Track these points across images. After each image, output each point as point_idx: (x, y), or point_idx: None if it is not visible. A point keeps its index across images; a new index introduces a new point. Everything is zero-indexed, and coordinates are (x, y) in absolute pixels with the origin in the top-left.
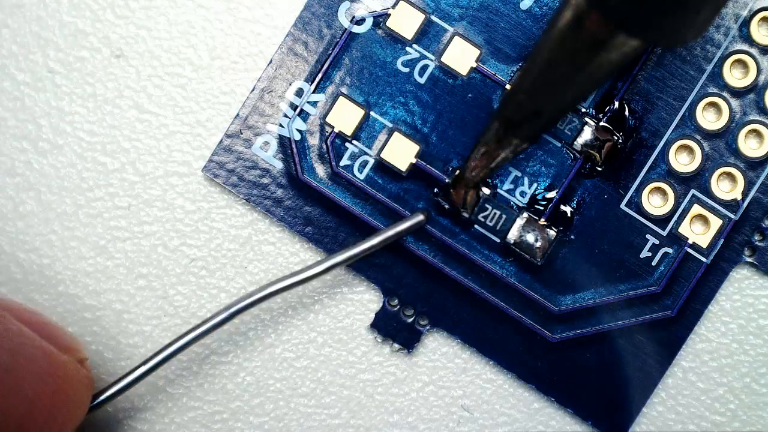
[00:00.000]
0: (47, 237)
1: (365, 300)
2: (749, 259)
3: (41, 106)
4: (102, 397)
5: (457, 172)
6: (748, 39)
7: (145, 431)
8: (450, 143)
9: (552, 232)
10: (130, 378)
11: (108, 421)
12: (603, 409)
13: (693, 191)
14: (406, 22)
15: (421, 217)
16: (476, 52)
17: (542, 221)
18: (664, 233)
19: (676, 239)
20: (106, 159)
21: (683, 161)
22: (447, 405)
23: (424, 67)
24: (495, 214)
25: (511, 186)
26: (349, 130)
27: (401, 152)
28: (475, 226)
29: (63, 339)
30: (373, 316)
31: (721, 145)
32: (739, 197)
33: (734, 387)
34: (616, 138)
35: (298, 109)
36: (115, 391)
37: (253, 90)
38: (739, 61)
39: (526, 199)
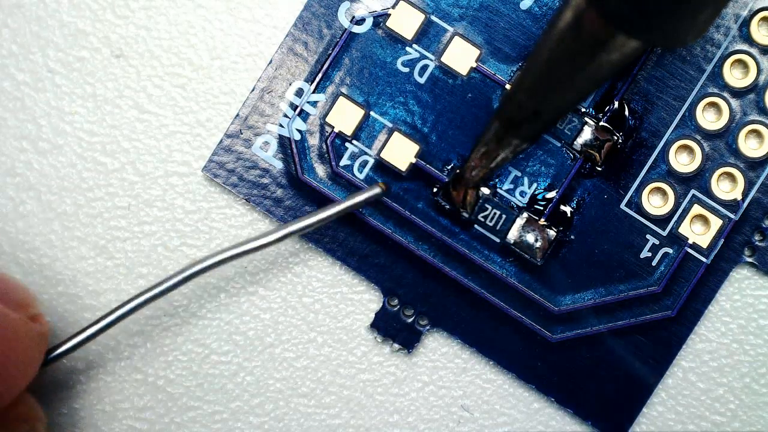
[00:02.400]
0: (47, 237)
1: (365, 300)
2: (749, 259)
3: (41, 106)
4: (57, 352)
5: (457, 171)
6: (748, 39)
7: (145, 431)
8: (450, 143)
9: (552, 232)
10: (86, 334)
11: (108, 421)
12: (603, 409)
13: (693, 191)
14: (406, 22)
15: (377, 190)
16: (476, 52)
17: (542, 221)
18: (664, 233)
19: (676, 239)
20: (106, 159)
21: (683, 161)
22: (447, 405)
23: (424, 67)
24: (495, 214)
25: (511, 186)
26: (349, 130)
27: (401, 152)
28: (475, 226)
29: (14, 295)
30: (373, 316)
31: (722, 145)
32: (740, 197)
33: (734, 387)
34: (616, 138)
35: (298, 109)
36: (71, 346)
37: (253, 90)
38: (739, 61)
39: (526, 199)
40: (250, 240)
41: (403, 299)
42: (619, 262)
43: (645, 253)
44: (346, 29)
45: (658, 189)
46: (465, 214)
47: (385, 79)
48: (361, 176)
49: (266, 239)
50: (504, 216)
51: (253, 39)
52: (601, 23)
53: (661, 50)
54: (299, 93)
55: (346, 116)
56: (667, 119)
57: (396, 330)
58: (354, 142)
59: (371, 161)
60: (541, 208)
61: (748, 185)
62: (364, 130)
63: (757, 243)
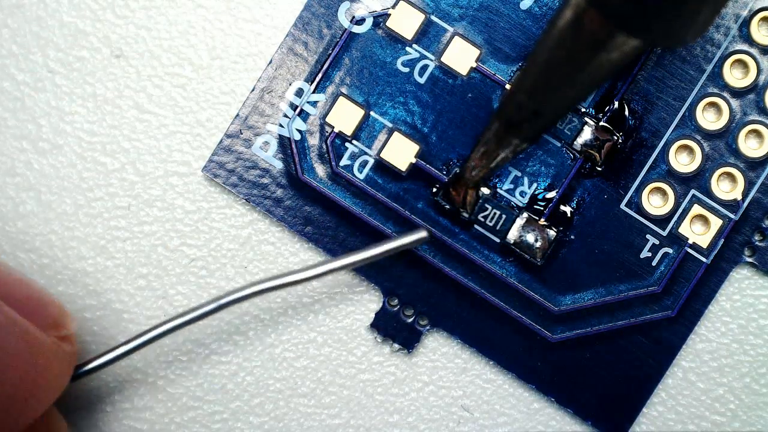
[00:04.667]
0: (47, 237)
1: (365, 300)
2: (749, 259)
3: (41, 106)
4: (85, 368)
5: (457, 172)
6: (748, 39)
7: (145, 431)
8: (450, 143)
9: (552, 232)
10: (115, 353)
11: (108, 421)
12: (603, 409)
13: (693, 191)
14: (406, 22)
15: (424, 234)
16: (476, 52)
17: (542, 221)
18: (665, 233)
19: (677, 239)
20: (106, 159)
21: (683, 161)
22: (447, 405)
23: (424, 67)
24: (495, 214)
25: (511, 186)
26: (349, 130)
27: (401, 152)
28: (475, 226)
29: (49, 312)
30: (373, 316)
31: (721, 145)
32: (740, 197)
33: (734, 387)
34: (616, 138)
35: (298, 109)
36: (99, 364)
37: (253, 90)
38: (739, 61)
39: (526, 199)
40: (291, 273)
41: (403, 299)
42: (619, 262)
43: (645, 253)
44: (346, 29)
45: (658, 189)
46: (465, 215)
47: (385, 79)
48: (361, 176)
49: (307, 273)
50: (504, 216)
51: (253, 39)
52: (602, 22)
53: (661, 50)
54: (299, 93)
55: (346, 116)
56: (667, 119)
57: (396, 330)
58: (354, 142)
59: (371, 161)
60: (541, 208)
61: (748, 185)
62: (364, 130)
63: (757, 243)
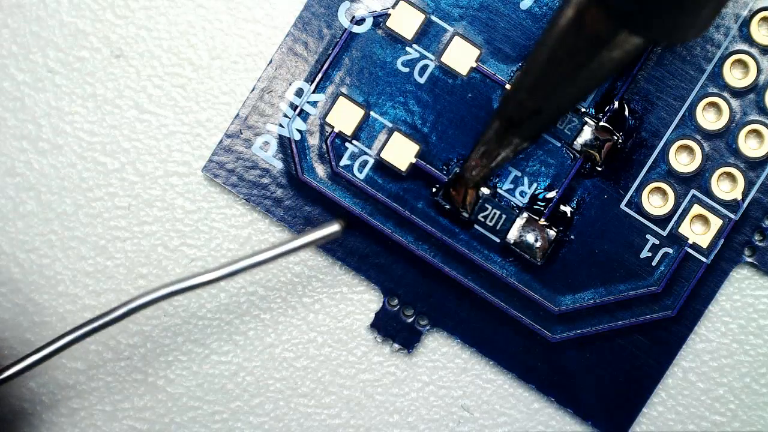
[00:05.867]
0: (47, 237)
1: (365, 300)
2: (749, 259)
3: (41, 106)
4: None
5: (457, 171)
6: (748, 39)
7: (145, 431)
8: (450, 143)
9: (552, 232)
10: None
11: (108, 421)
12: (603, 409)
13: (693, 191)
14: (406, 22)
15: (336, 227)
16: (476, 52)
17: (542, 221)
18: (664, 233)
19: (677, 239)
20: (106, 159)
21: (683, 161)
22: (447, 405)
23: (424, 67)
24: (495, 214)
25: (511, 186)
26: (349, 130)
27: (401, 152)
28: (475, 226)
29: None
30: (373, 316)
31: (722, 145)
32: (740, 197)
33: (734, 387)
34: (616, 138)
35: (298, 109)
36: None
37: (253, 90)
38: (739, 61)
39: (525, 199)
40: (190, 277)
41: (403, 299)
42: (619, 262)
43: (645, 253)
44: (346, 29)
45: (658, 189)
46: (465, 214)
47: (385, 79)
48: (361, 176)
49: (213, 275)
50: (504, 216)
51: (253, 39)
52: (603, 20)
53: (662, 49)
54: (299, 93)
55: (346, 116)
56: (667, 119)
57: (396, 330)
58: (354, 142)
59: (371, 161)
60: (541, 208)
61: (748, 185)
62: (364, 130)
63: (757, 243)
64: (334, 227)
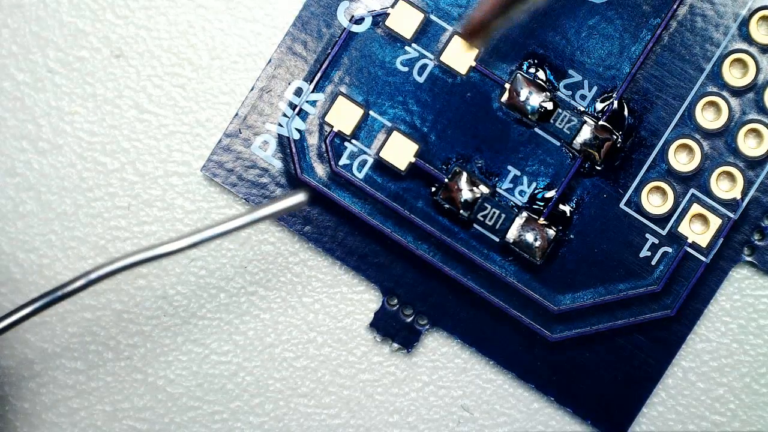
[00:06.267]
0: (47, 237)
1: (365, 300)
2: (749, 259)
3: (41, 106)
4: None
5: (456, 170)
6: (747, 38)
7: (145, 431)
8: (449, 142)
9: (551, 232)
10: None
11: (108, 421)
12: (603, 409)
13: (692, 190)
14: (405, 21)
15: (302, 198)
16: (475, 51)
17: (541, 220)
18: (664, 232)
19: (676, 238)
20: (106, 159)
21: (682, 160)
22: (447, 405)
23: (423, 67)
24: (494, 213)
25: (511, 185)
26: (348, 130)
27: (400, 151)
28: (474, 225)
29: None
30: (372, 315)
31: (721, 145)
32: (739, 196)
33: (734, 387)
34: (615, 137)
35: (297, 109)
36: None
37: (252, 89)
38: (738, 60)
39: (525, 199)
40: (153, 246)
41: (402, 299)
42: (618, 262)
43: (644, 253)
44: (345, 28)
45: (658, 188)
46: (464, 214)
47: (384, 79)
48: (361, 175)
49: (172, 246)
50: (503, 215)
51: (252, 39)
52: None
53: (661, 49)
54: (298, 92)
55: (345, 115)
56: (666, 118)
57: (395, 330)
58: (353, 141)
59: (370, 160)
60: (541, 207)
61: (748, 184)
62: (363, 130)
63: (756, 242)
64: (299, 197)
